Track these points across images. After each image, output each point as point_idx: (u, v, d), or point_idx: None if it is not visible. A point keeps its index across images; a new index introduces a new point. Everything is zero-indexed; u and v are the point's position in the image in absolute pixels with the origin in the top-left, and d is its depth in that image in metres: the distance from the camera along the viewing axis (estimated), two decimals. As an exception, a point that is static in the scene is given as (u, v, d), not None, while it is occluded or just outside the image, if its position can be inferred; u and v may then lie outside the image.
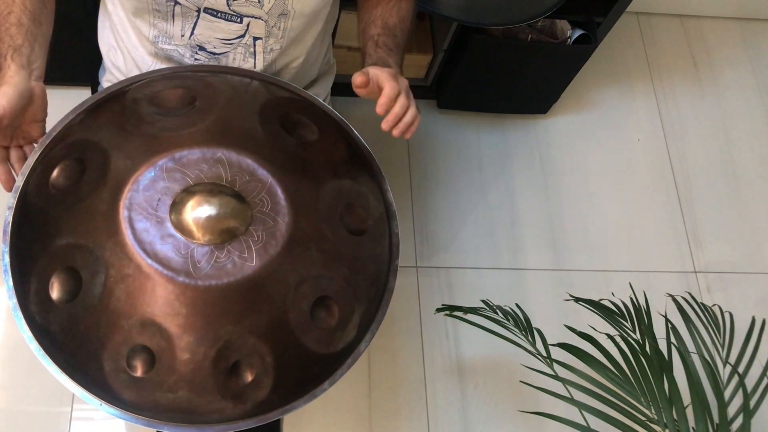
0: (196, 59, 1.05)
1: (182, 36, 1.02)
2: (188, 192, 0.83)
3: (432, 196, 1.89)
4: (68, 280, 0.82)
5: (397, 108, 0.93)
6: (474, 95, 1.96)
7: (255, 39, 1.03)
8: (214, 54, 1.04)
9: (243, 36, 1.02)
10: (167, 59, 1.07)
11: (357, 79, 0.92)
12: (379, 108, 0.92)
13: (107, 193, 0.82)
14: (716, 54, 2.28)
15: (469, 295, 1.79)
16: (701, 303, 1.30)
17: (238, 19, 1.00)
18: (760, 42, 2.32)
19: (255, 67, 1.06)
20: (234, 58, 1.05)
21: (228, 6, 0.98)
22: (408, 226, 1.83)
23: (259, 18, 1.00)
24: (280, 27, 1.02)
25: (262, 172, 0.86)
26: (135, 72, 1.09)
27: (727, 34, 2.32)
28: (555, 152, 2.03)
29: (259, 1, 0.98)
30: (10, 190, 0.88)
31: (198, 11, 0.99)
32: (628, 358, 1.11)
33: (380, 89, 0.93)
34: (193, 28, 1.01)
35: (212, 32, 1.02)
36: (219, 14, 0.99)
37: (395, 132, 0.94)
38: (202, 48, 1.04)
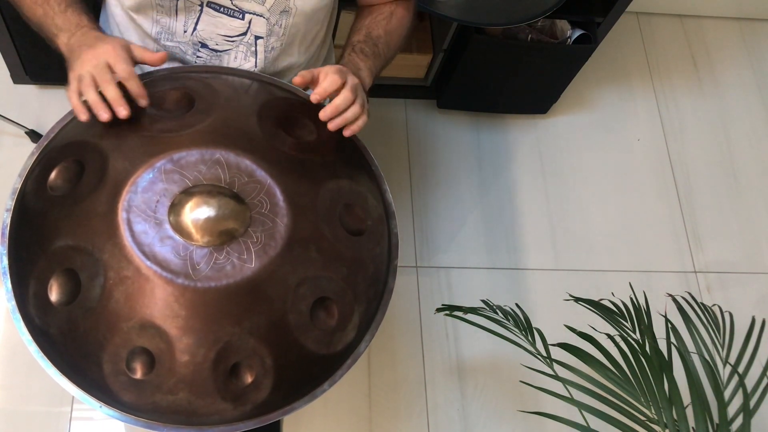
0: (197, 57, 1.05)
1: (185, 32, 1.02)
2: (187, 193, 0.83)
3: (432, 196, 1.89)
4: (67, 282, 0.81)
5: (339, 100, 0.92)
6: (474, 95, 1.95)
7: (257, 38, 1.03)
8: (216, 51, 1.04)
9: (245, 34, 1.02)
10: (169, 59, 1.07)
11: (295, 79, 0.92)
12: (312, 96, 0.92)
13: (106, 195, 0.82)
14: (716, 54, 2.27)
15: (469, 295, 1.79)
16: (701, 303, 1.30)
17: (240, 15, 1.00)
18: (760, 42, 2.31)
19: (256, 67, 1.06)
20: (235, 57, 1.05)
21: (230, 1, 0.98)
22: (408, 226, 1.83)
23: (261, 15, 1.00)
24: (281, 25, 1.02)
25: (261, 173, 0.86)
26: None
27: (727, 34, 2.31)
28: (555, 152, 2.02)
29: None
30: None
31: (201, 5, 0.99)
32: (628, 358, 1.11)
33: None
34: (196, 24, 1.01)
35: (215, 28, 1.02)
36: (221, 9, 1.00)
37: (331, 125, 0.92)
38: (204, 45, 1.04)
